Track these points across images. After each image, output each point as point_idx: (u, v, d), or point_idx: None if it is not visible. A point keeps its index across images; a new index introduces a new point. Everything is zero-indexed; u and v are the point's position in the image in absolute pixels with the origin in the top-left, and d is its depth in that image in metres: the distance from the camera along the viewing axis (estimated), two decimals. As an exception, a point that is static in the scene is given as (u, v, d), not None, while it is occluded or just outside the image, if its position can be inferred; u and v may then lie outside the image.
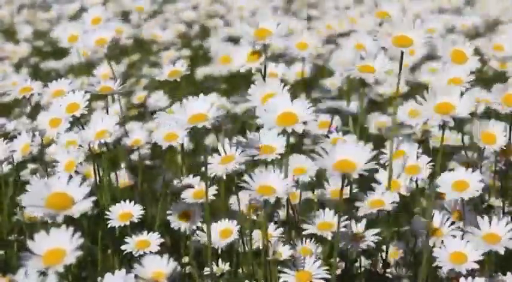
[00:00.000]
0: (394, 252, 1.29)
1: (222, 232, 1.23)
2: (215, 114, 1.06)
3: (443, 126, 1.10)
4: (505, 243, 1.01)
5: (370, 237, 1.18)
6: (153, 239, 1.21)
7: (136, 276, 0.98)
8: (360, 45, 1.43)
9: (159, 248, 1.19)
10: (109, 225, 1.22)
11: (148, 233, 1.22)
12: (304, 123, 1.05)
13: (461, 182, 1.12)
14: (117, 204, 1.24)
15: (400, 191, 1.23)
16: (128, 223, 1.21)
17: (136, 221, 1.22)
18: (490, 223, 1.04)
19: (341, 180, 0.96)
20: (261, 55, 1.22)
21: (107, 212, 1.23)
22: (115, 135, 1.24)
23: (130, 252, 1.19)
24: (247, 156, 1.12)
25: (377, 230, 1.19)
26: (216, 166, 1.17)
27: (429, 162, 1.25)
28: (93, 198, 0.87)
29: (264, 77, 1.23)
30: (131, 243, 1.20)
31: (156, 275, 1.02)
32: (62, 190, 0.89)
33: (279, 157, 1.11)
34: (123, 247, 1.20)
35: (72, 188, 0.89)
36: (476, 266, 1.03)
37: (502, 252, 1.00)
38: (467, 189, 1.11)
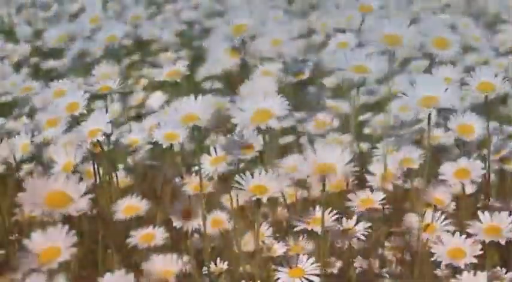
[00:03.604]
0: (389, 250, 1.29)
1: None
2: (207, 114, 1.07)
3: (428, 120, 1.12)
4: (505, 234, 1.05)
5: (361, 231, 1.18)
6: (158, 233, 1.21)
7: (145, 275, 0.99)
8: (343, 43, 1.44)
9: (163, 242, 1.19)
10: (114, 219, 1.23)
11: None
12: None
13: (463, 169, 1.17)
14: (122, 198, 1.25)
15: (394, 181, 1.24)
16: (133, 216, 1.22)
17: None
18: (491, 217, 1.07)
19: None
20: (240, 52, 1.25)
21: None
22: (107, 133, 1.24)
23: (131, 252, 1.19)
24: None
25: (368, 224, 1.19)
26: (207, 167, 1.18)
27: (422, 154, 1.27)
28: (90, 196, 0.87)
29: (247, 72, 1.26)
30: (136, 237, 1.21)
31: (165, 274, 1.04)
32: (59, 188, 0.90)
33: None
34: (128, 240, 1.21)
35: (70, 187, 0.90)
36: (475, 261, 1.05)
37: (503, 242, 1.03)
38: (469, 175, 1.16)
